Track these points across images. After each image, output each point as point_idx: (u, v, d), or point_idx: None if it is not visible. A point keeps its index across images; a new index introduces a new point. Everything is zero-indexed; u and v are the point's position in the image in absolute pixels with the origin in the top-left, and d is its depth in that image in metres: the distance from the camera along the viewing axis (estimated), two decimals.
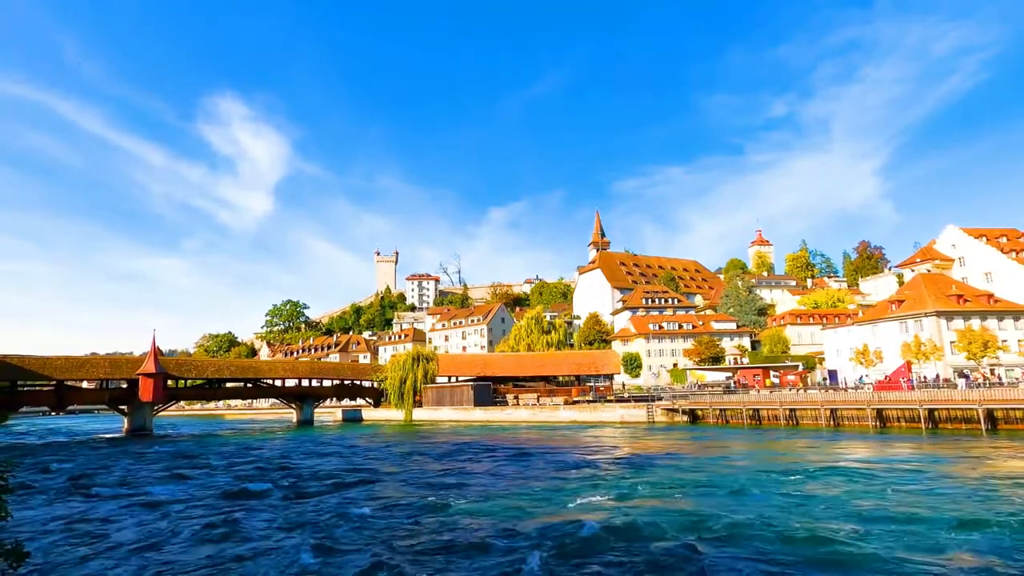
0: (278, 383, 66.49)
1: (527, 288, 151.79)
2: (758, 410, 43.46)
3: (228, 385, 64.46)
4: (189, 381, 61.58)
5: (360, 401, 73.37)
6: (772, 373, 59.16)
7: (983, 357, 48.23)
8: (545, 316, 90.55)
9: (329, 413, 73.45)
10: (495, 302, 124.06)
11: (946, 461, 23.48)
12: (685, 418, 47.35)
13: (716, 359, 75.90)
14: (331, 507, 17.16)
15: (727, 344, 79.71)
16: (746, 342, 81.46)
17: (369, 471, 24.90)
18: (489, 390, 61.47)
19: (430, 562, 11.52)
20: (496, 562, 11.32)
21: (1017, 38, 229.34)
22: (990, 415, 33.23)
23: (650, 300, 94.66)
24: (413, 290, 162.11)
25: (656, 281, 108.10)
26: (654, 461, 25.94)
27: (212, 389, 63.89)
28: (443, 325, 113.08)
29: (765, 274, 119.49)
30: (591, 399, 59.79)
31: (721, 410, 45.47)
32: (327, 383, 69.21)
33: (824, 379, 58.95)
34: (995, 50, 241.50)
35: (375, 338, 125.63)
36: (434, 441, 39.03)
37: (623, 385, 74.57)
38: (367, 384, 70.50)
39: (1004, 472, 20.35)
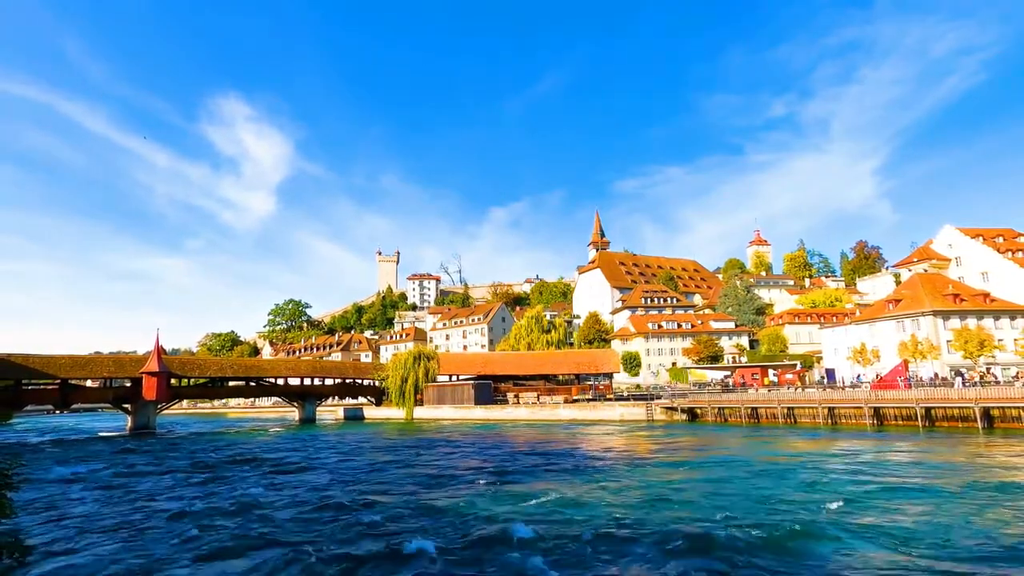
0: (280, 382, 66.97)
1: (527, 288, 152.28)
2: (756, 408, 43.86)
3: (231, 384, 64.92)
4: (192, 380, 62.01)
5: (362, 400, 73.86)
6: (770, 372, 59.65)
7: (979, 356, 48.66)
8: (545, 315, 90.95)
9: (331, 412, 73.94)
10: (495, 302, 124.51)
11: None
12: (684, 416, 47.77)
13: (715, 358, 76.39)
14: (254, 490, 19.89)
15: (726, 343, 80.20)
16: (744, 341, 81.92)
17: (317, 463, 27.41)
18: (490, 389, 61.93)
19: (273, 530, 13.87)
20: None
21: (1016, 38, 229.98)
22: (986, 413, 33.60)
23: (649, 300, 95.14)
24: (414, 290, 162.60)
25: (655, 281, 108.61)
26: (584, 453, 27.54)
27: (215, 388, 64.34)
28: (444, 324, 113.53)
29: (763, 274, 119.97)
30: (591, 398, 60.21)
31: (720, 408, 45.90)
32: (329, 382, 69.68)
33: (822, 378, 59.39)
34: (994, 50, 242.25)
35: (377, 337, 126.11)
36: (409, 438, 40.51)
37: (638, 385, 75.04)
38: (368, 383, 70.94)
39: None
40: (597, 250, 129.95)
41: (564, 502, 16.47)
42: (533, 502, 16.57)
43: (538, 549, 11.78)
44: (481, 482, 20.49)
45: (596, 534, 12.77)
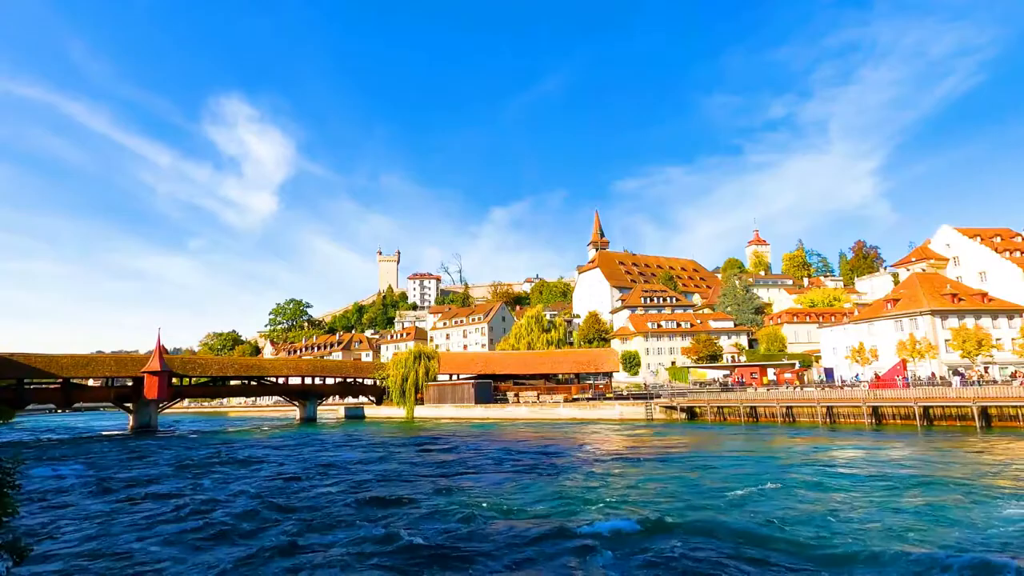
0: (281, 381, 67.20)
1: (527, 287, 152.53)
2: (755, 408, 44.12)
3: (232, 383, 65.14)
4: (194, 379, 62.15)
5: (363, 399, 74.08)
6: (769, 371, 59.89)
7: (977, 355, 48.85)
8: (545, 315, 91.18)
9: (332, 411, 74.19)
10: (496, 301, 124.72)
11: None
12: (683, 415, 48.01)
13: (714, 357, 76.59)
14: (231, 486, 21.33)
15: (724, 342, 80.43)
16: (743, 340, 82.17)
17: (297, 460, 28.85)
18: (490, 388, 62.18)
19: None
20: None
21: (1014, 40, 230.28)
22: (984, 412, 33.87)
23: (649, 299, 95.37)
24: (415, 289, 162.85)
25: (655, 280, 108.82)
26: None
27: (216, 387, 64.54)
28: (444, 324, 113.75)
29: (762, 273, 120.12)
30: (590, 397, 60.45)
31: (719, 408, 46.15)
32: (330, 381, 69.87)
33: (820, 377, 59.60)
34: (992, 51, 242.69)
35: (377, 336, 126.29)
36: (400, 437, 41.34)
37: (645, 384, 75.25)
38: (369, 382, 71.16)
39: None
40: (597, 250, 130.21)
41: (504, 493, 17.85)
42: (476, 496, 17.66)
43: (442, 534, 13.19)
44: (440, 477, 21.75)
45: (496, 521, 14.32)
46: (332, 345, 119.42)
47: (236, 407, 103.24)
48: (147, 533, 14.10)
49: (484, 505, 16.14)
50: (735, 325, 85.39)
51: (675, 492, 17.74)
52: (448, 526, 14.00)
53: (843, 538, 12.20)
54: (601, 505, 15.93)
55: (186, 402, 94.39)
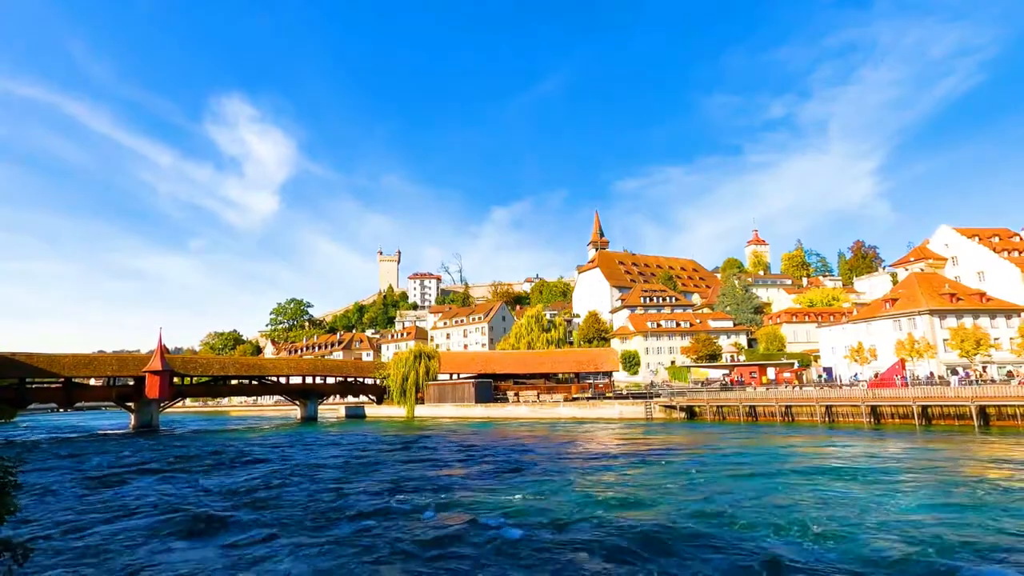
0: (282, 380, 67.36)
1: (527, 287, 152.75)
2: (754, 407, 44.30)
3: (233, 382, 65.31)
4: (195, 378, 62.35)
5: (363, 398, 74.25)
6: (769, 370, 60.11)
7: (975, 355, 49.05)
8: (545, 314, 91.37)
9: (332, 410, 74.35)
10: (496, 301, 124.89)
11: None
12: (682, 415, 48.20)
13: (713, 357, 76.77)
14: (208, 482, 22.32)
15: (724, 342, 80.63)
16: (743, 340, 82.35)
17: (281, 458, 29.66)
18: (490, 387, 62.37)
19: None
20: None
21: (1014, 40, 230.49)
22: (982, 412, 34.05)
23: (648, 299, 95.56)
24: (415, 289, 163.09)
25: (654, 280, 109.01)
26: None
27: (217, 386, 64.77)
28: (445, 323, 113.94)
29: (761, 273, 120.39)
30: (590, 396, 60.63)
31: (718, 407, 46.33)
32: (330, 380, 70.04)
33: (820, 376, 59.82)
34: (992, 51, 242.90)
35: (378, 336, 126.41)
36: (392, 436, 41.76)
37: (650, 384, 75.40)
38: (370, 381, 71.35)
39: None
40: (597, 250, 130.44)
41: (454, 488, 19.05)
42: (427, 490, 18.81)
43: (376, 523, 14.42)
44: (406, 474, 22.82)
45: (430, 512, 15.45)
46: (333, 345, 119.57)
47: (238, 406, 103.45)
48: (123, 523, 15.25)
49: (426, 500, 17.02)
50: (734, 325, 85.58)
51: (613, 484, 18.94)
52: (384, 517, 15.00)
53: (722, 519, 13.80)
54: (537, 497, 16.82)
55: (188, 401, 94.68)
